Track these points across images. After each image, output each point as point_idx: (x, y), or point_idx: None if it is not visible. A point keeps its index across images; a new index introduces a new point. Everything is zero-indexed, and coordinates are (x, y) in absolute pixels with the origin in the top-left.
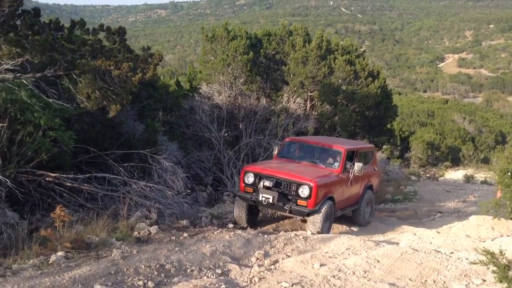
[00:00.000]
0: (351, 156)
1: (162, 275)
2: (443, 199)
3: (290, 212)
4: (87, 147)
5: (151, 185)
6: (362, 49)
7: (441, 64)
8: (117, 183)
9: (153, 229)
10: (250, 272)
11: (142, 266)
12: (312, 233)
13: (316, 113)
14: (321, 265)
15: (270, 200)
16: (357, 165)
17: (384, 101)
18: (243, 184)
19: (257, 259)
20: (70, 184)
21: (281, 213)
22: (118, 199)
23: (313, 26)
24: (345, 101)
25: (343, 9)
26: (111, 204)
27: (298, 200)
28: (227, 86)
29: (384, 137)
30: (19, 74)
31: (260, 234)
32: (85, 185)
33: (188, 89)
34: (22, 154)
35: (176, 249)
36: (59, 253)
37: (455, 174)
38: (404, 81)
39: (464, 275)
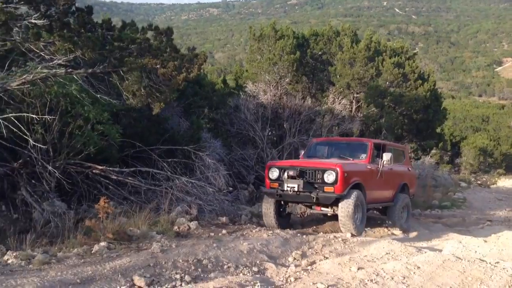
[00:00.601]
0: (379, 149)
1: (199, 270)
2: (494, 207)
3: (317, 200)
4: (133, 142)
5: (193, 181)
6: (414, 51)
7: (499, 68)
8: (160, 177)
9: (193, 224)
10: (287, 271)
11: (180, 260)
12: (344, 221)
13: (361, 115)
14: (358, 268)
15: (296, 188)
16: (386, 155)
17: (433, 104)
18: (268, 181)
19: (294, 259)
20: (115, 177)
21: (310, 211)
22: (161, 194)
23: (365, 26)
24: (392, 104)
25: (397, 10)
26: (154, 198)
27: (325, 187)
28: (272, 85)
29: (432, 141)
30: (70, 70)
31: (298, 235)
32: (130, 178)
33: (234, 87)
34: (71, 146)
35: (214, 245)
36: (102, 244)
37: (509, 182)
38: (458, 84)
39: (509, 286)
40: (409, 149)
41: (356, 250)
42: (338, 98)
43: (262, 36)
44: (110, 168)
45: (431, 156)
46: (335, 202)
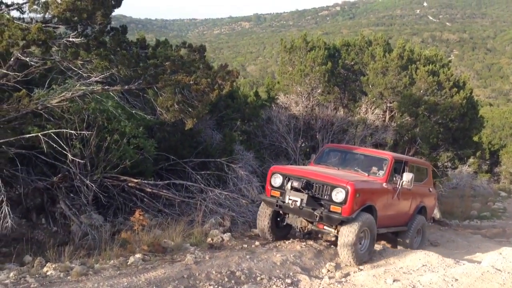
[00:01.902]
0: (399, 166)
1: (232, 281)
2: None
3: (321, 219)
4: (167, 155)
5: (226, 193)
6: (449, 59)
7: None
8: (194, 190)
9: (226, 236)
10: (320, 283)
11: (214, 272)
12: (342, 249)
13: (395, 125)
14: (394, 281)
15: (298, 203)
16: (406, 176)
17: (469, 112)
18: (269, 187)
19: (328, 271)
20: (150, 190)
21: (311, 227)
22: (194, 206)
23: (398, 35)
24: (426, 112)
25: (431, 18)
26: (188, 211)
27: (331, 206)
28: (304, 97)
29: (469, 150)
30: (107, 87)
31: (332, 246)
32: (164, 191)
33: (266, 99)
34: (108, 160)
35: (247, 257)
36: (137, 255)
37: None
38: (496, 91)
39: None
40: (432, 167)
41: (392, 262)
42: (371, 108)
43: (293, 48)
44: (145, 181)
45: (468, 165)
46: (341, 224)
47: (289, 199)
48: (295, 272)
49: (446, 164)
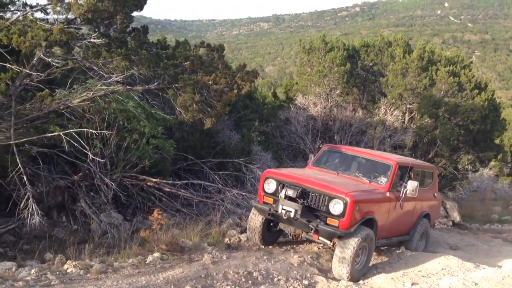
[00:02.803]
0: (404, 172)
1: (250, 282)
2: None
3: (316, 232)
4: (186, 155)
5: (243, 193)
6: (471, 60)
7: None
8: (212, 190)
9: (243, 236)
10: (338, 285)
11: (231, 272)
12: (336, 265)
13: (414, 126)
14: (412, 284)
15: (292, 214)
16: (411, 184)
17: (491, 114)
18: (262, 193)
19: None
20: (168, 189)
21: (305, 235)
22: (212, 206)
23: (418, 36)
24: (447, 114)
25: (452, 18)
26: (205, 210)
27: (328, 218)
28: (322, 98)
29: (490, 152)
30: (127, 86)
31: None
32: (182, 191)
33: (284, 100)
34: (127, 160)
35: (265, 257)
36: (156, 254)
37: None
38: None
39: None
40: (438, 171)
41: (411, 265)
42: (390, 109)
43: (312, 49)
44: (164, 181)
45: (489, 168)
46: (338, 238)
47: (283, 209)
48: (312, 273)
49: (466, 167)
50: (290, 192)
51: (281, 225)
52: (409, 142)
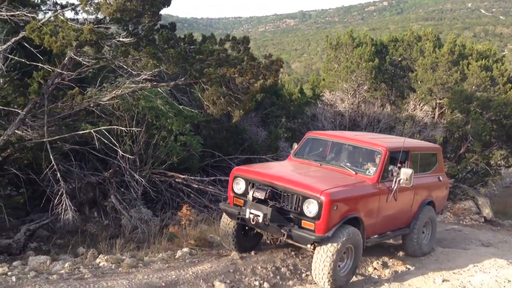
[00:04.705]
0: (400, 158)
1: (278, 277)
2: None
3: (289, 237)
4: (213, 152)
5: None
6: (503, 53)
7: None
8: None
9: None
10: (365, 282)
11: (259, 267)
12: (316, 272)
13: (445, 122)
14: (443, 281)
15: (260, 219)
16: (404, 172)
17: None
18: (231, 194)
19: (375, 269)
20: (196, 186)
21: (284, 240)
22: None
23: (448, 30)
24: (479, 109)
25: (483, 11)
26: None
27: (303, 221)
28: (350, 94)
29: None
30: (155, 83)
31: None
32: (210, 187)
33: (311, 96)
34: (156, 157)
35: (293, 253)
36: (185, 249)
37: None
38: None
39: None
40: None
41: (441, 261)
42: (419, 105)
43: (339, 44)
44: (192, 177)
45: None
46: (315, 244)
47: (250, 213)
48: None
49: (499, 162)
50: (258, 194)
51: (258, 229)
52: (439, 138)
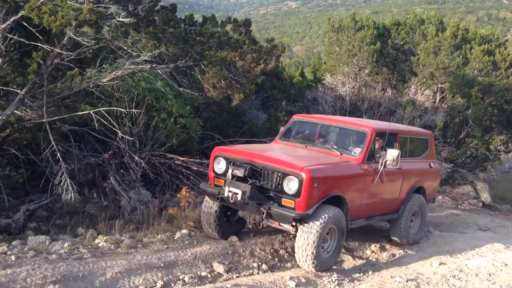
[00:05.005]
0: (387, 141)
1: (276, 259)
2: None
3: (268, 216)
4: (213, 134)
5: None
6: (506, 38)
7: None
8: None
9: None
10: (364, 263)
11: (258, 250)
12: (299, 254)
13: (446, 106)
14: (440, 264)
15: (239, 197)
16: (390, 153)
17: None
18: (212, 174)
19: (373, 252)
20: (196, 168)
21: (267, 223)
22: None
23: (451, 14)
24: (480, 94)
25: None
26: None
27: (283, 199)
28: (351, 77)
29: None
30: (155, 65)
31: (378, 228)
32: None
33: (312, 80)
34: (155, 139)
35: (291, 236)
36: (183, 231)
37: None
38: None
39: None
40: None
41: (439, 245)
42: (420, 89)
43: (341, 28)
44: (191, 160)
45: None
46: (296, 222)
47: (229, 191)
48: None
49: (499, 147)
50: (237, 171)
51: (240, 213)
52: (440, 123)
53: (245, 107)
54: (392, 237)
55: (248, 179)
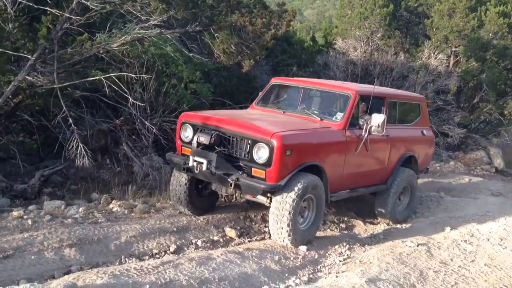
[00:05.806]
0: (372, 105)
1: None
2: None
3: (237, 187)
4: (223, 100)
5: None
6: None
7: None
8: None
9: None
10: (375, 228)
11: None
12: (273, 227)
13: (460, 70)
14: (452, 229)
15: (204, 167)
16: (376, 118)
17: None
18: (179, 142)
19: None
20: None
21: (240, 195)
22: None
23: None
24: (495, 57)
25: None
26: None
27: (253, 169)
28: (363, 41)
29: None
30: (164, 30)
31: None
32: None
33: (323, 44)
34: (166, 105)
35: None
36: None
37: None
38: None
39: None
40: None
41: (450, 210)
42: (434, 53)
43: None
44: None
45: None
46: (267, 194)
47: (194, 160)
48: (350, 217)
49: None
50: (203, 138)
51: (213, 186)
52: (453, 87)
53: (255, 72)
54: (376, 210)
55: (216, 147)
